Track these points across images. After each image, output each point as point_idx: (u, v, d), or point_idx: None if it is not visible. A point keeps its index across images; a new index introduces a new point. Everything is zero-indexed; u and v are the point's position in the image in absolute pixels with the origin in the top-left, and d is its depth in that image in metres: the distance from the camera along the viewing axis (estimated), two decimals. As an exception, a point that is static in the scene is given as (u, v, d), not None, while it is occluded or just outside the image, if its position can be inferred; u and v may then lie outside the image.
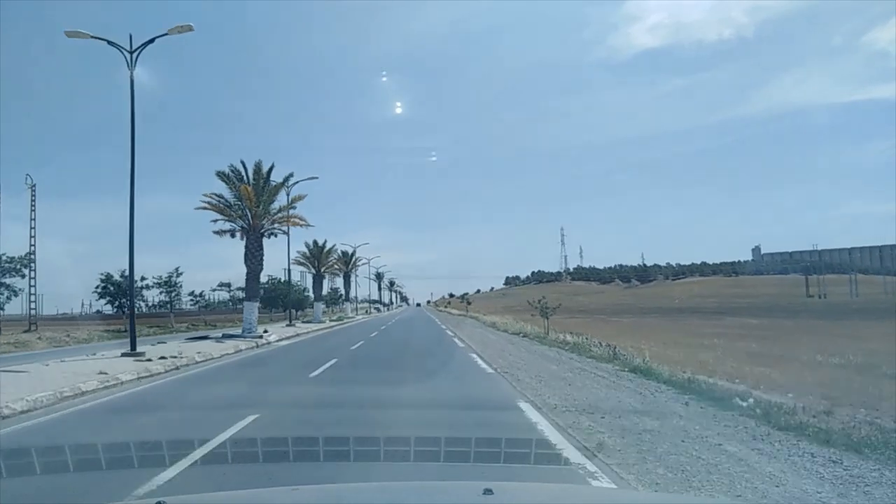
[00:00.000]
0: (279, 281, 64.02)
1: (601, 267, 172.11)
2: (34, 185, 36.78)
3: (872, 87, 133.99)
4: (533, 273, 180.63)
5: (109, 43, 18.60)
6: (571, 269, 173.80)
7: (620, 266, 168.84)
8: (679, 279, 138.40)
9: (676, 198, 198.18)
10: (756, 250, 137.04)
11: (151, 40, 18.72)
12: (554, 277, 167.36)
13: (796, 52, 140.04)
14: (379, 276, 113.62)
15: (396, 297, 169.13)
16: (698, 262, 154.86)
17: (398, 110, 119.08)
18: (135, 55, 18.48)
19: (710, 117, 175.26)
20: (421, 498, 2.21)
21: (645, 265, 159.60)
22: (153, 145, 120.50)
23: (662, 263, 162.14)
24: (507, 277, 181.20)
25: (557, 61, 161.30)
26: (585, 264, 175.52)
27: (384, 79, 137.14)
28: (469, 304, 76.44)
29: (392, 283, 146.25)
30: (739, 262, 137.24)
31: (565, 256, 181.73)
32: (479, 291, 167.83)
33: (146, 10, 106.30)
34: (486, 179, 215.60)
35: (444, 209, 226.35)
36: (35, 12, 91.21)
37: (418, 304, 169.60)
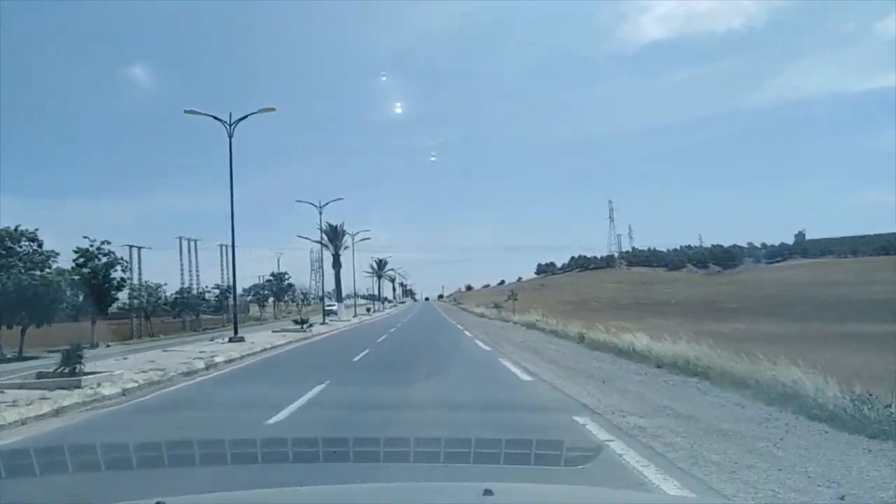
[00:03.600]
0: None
1: (655, 249, 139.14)
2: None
3: (885, 75, 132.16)
4: (574, 259, 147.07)
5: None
6: (625, 252, 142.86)
7: (689, 247, 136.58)
8: (775, 262, 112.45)
9: (694, 187, 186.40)
10: (800, 235, 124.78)
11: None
12: (605, 263, 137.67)
13: (807, 41, 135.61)
14: (330, 229, 53.01)
15: (398, 291, 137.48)
16: (788, 242, 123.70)
17: (398, 109, 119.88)
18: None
19: (721, 107, 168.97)
20: (421, 499, 2.22)
21: (721, 246, 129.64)
22: (157, 146, 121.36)
23: (733, 244, 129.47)
24: (540, 265, 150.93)
25: (568, 53, 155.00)
26: (628, 247, 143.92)
27: (384, 78, 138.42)
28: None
29: (381, 263, 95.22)
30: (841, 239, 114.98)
31: (618, 236, 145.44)
32: (503, 283, 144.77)
33: (145, 7, 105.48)
34: (498, 171, 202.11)
35: (450, 203, 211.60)
36: (39, 12, 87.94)
37: (427, 299, 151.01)
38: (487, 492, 1.87)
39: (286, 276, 77.09)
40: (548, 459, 4.80)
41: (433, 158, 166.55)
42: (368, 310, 74.37)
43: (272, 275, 77.02)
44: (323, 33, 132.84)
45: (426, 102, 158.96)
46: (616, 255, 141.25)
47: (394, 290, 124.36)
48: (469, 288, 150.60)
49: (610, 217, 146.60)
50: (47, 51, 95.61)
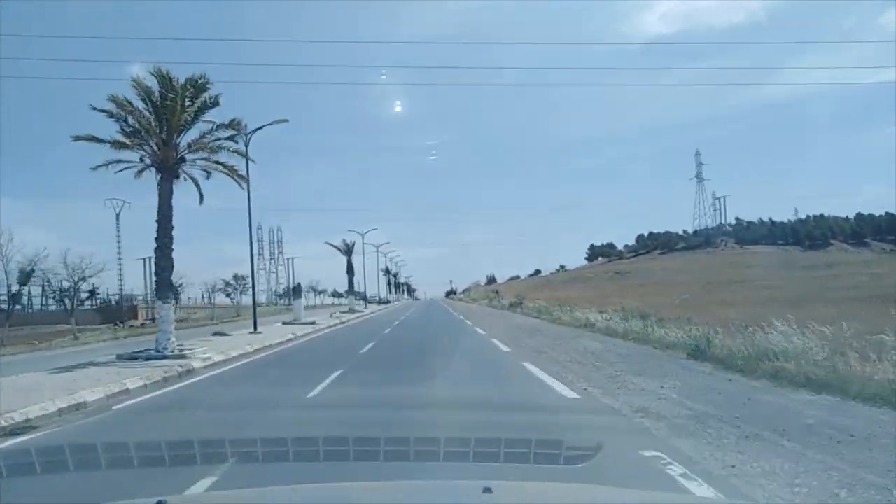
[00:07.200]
0: None
1: (772, 220, 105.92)
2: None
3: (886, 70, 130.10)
4: (642, 237, 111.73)
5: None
6: (728, 227, 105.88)
7: (822, 216, 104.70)
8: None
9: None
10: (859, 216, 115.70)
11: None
12: (702, 240, 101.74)
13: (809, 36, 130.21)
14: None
15: (393, 288, 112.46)
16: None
17: (398, 108, 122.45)
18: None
19: (724, 104, 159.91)
20: (421, 497, 2.23)
21: (892, 214, 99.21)
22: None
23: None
24: (593, 247, 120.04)
25: (567, 50, 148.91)
26: (714, 222, 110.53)
27: (384, 77, 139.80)
28: None
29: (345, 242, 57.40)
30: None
31: (717, 201, 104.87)
32: (538, 273, 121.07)
33: (144, 5, 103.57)
34: (496, 171, 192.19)
35: (454, 199, 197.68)
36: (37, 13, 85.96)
37: (431, 299, 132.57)
38: (487, 490, 1.85)
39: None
40: (546, 458, 4.71)
41: (433, 157, 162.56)
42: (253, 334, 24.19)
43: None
44: (323, 35, 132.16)
45: (425, 101, 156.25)
46: (718, 227, 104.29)
47: (392, 287, 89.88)
48: (492, 280, 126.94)
49: (697, 176, 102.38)
50: None
